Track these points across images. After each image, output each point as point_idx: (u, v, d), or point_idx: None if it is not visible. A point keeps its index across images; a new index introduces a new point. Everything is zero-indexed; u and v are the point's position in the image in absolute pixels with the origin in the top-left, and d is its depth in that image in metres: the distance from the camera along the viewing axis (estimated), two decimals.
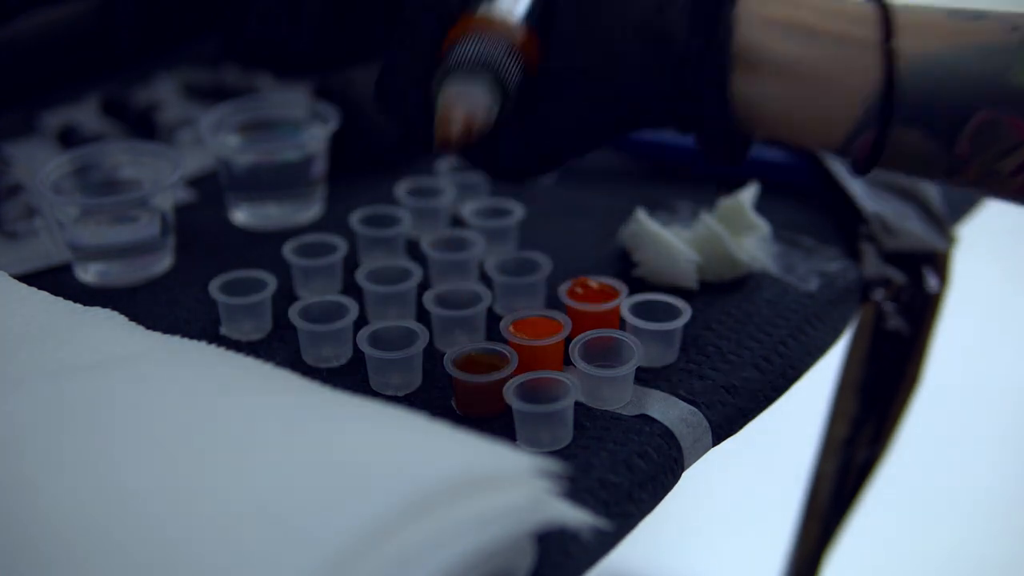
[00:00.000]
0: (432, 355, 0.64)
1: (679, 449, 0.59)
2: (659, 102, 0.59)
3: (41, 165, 0.74)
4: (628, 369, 0.60)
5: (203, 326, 0.67)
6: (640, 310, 0.64)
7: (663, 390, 0.62)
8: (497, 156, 0.60)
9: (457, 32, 0.57)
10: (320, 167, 0.79)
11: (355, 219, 0.73)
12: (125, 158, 0.75)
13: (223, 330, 0.67)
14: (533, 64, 0.58)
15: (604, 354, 0.61)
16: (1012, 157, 0.57)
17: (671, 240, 0.70)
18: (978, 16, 0.58)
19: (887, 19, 0.57)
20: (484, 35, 0.57)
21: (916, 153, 0.58)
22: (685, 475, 0.60)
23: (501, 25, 0.57)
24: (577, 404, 0.59)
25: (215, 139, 0.78)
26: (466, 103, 0.56)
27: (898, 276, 0.76)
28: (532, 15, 0.58)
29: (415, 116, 0.59)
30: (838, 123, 0.58)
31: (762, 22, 0.58)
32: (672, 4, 0.57)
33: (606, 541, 0.54)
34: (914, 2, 0.60)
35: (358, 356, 0.64)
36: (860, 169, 0.59)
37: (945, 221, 0.79)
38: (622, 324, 0.64)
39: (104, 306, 0.61)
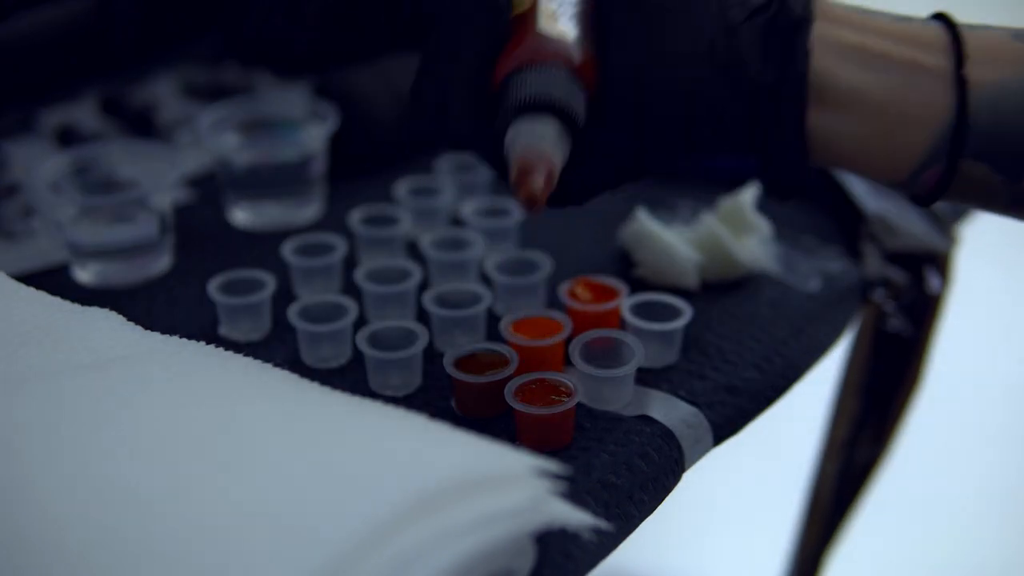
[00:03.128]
0: (432, 355, 0.64)
1: (680, 450, 0.59)
2: (730, 129, 0.56)
3: (39, 164, 0.73)
4: (629, 370, 0.59)
5: (202, 326, 0.67)
6: (640, 310, 0.64)
7: (664, 391, 0.62)
8: (559, 183, 0.54)
9: (512, 57, 0.53)
10: (319, 166, 0.79)
11: (355, 219, 0.73)
12: (123, 157, 0.75)
13: (222, 330, 0.66)
14: (591, 86, 0.54)
15: (604, 354, 0.61)
16: None
17: (671, 240, 0.70)
18: None
19: (959, 45, 0.54)
20: (545, 65, 0.53)
21: (981, 187, 0.56)
22: (686, 476, 0.60)
23: (559, 47, 0.53)
24: (578, 404, 0.59)
25: (214, 138, 0.78)
26: (542, 154, 0.51)
27: (899, 276, 0.76)
28: (585, 33, 0.55)
29: (477, 144, 0.56)
30: (908, 156, 0.55)
31: (837, 50, 0.55)
32: (745, 28, 0.54)
33: (607, 542, 0.54)
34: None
35: (358, 356, 0.64)
36: (923, 202, 0.57)
37: (947, 221, 0.79)
38: (622, 324, 0.64)
39: (102, 306, 0.61)
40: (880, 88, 0.55)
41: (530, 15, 0.54)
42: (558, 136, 0.52)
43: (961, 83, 0.54)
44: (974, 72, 0.54)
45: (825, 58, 0.55)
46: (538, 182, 0.51)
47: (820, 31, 0.55)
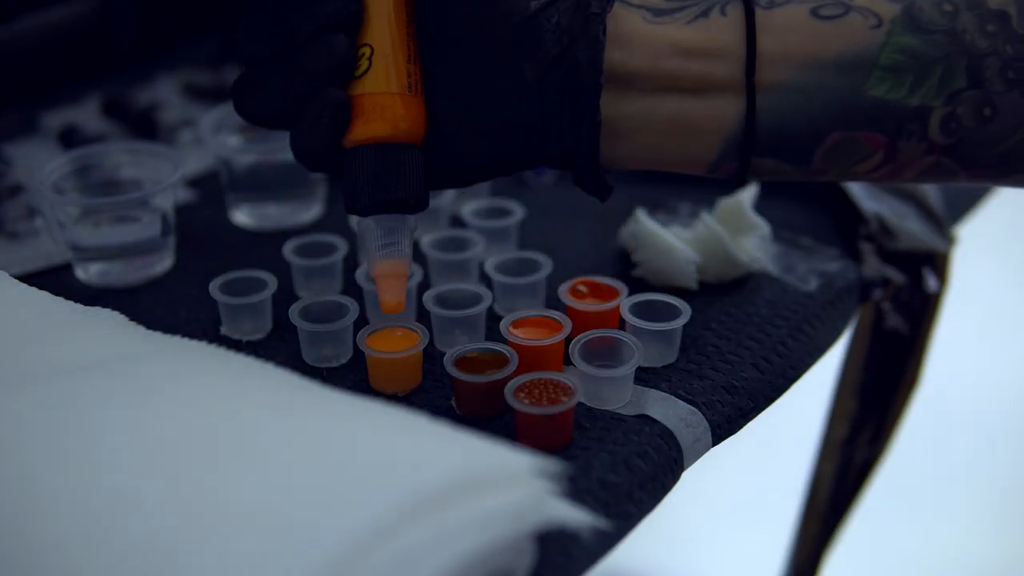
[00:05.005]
0: (432, 355, 0.64)
1: (679, 449, 0.59)
2: (536, 161, 0.61)
3: (42, 165, 0.74)
4: (628, 369, 0.60)
5: (203, 326, 0.67)
6: (640, 310, 0.64)
7: (663, 390, 0.62)
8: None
9: (359, 131, 0.58)
10: None
11: (355, 219, 0.73)
12: (126, 158, 0.75)
13: (223, 330, 0.67)
14: (423, 124, 0.59)
15: (604, 354, 0.61)
16: (867, 162, 0.59)
17: (671, 240, 0.70)
18: (843, 9, 0.57)
19: (752, 46, 0.56)
20: (392, 150, 0.58)
21: (774, 172, 0.60)
22: (685, 475, 0.60)
23: (398, 117, 0.58)
24: (578, 404, 0.59)
25: (216, 139, 0.78)
26: (397, 267, 0.59)
27: (897, 276, 0.76)
28: (414, 82, 0.59)
29: (317, 162, 0.60)
30: (699, 159, 0.59)
31: (626, 83, 0.57)
32: (539, 87, 0.57)
33: (606, 541, 0.54)
34: None
35: (358, 356, 0.64)
36: (728, 187, 0.61)
37: (944, 221, 0.79)
38: (622, 324, 0.64)
39: (105, 306, 0.61)
40: (669, 108, 0.58)
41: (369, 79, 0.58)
42: (409, 226, 0.59)
43: (751, 91, 0.56)
44: (763, 76, 0.56)
45: (614, 104, 0.57)
46: (399, 293, 0.59)
47: (610, 64, 0.57)
